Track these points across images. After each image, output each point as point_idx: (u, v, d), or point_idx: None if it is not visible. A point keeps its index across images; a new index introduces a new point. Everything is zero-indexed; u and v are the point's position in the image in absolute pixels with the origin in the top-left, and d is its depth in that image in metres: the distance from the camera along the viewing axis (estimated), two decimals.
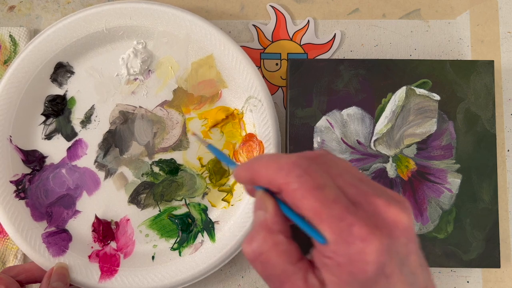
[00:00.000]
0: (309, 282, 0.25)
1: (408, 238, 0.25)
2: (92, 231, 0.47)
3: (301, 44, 0.50)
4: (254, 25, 0.50)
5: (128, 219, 0.47)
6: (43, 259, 0.44)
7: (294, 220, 0.26)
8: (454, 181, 0.44)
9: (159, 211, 0.47)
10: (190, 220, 0.47)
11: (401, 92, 0.45)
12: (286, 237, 0.26)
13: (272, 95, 0.49)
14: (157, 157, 0.47)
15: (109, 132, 0.47)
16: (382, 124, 0.45)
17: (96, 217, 0.47)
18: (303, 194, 0.25)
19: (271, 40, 0.50)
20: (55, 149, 0.47)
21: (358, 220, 0.24)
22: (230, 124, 0.48)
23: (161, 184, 0.47)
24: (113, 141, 0.47)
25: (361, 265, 0.24)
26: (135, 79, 0.48)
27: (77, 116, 0.47)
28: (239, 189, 0.47)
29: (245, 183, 0.29)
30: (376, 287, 0.24)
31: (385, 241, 0.24)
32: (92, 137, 0.47)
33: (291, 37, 0.50)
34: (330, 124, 0.45)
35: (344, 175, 0.26)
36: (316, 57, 0.49)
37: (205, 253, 0.46)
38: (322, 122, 0.45)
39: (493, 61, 0.45)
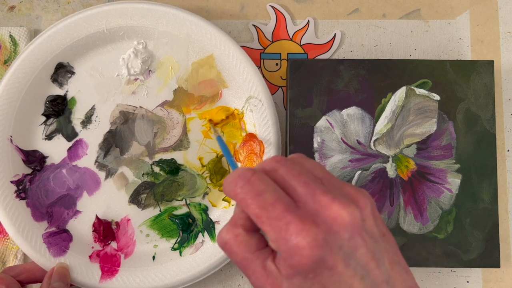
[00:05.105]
0: (267, 268, 0.28)
1: (351, 233, 0.27)
2: (93, 231, 0.47)
3: (301, 44, 0.50)
4: (254, 25, 0.50)
5: (129, 219, 0.47)
6: (44, 259, 0.45)
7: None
8: (454, 181, 0.44)
9: (160, 211, 0.47)
10: (190, 220, 0.47)
11: (401, 92, 0.45)
12: (246, 230, 0.29)
13: (272, 95, 0.49)
14: (157, 157, 0.47)
15: (110, 132, 0.47)
16: (382, 124, 0.45)
17: (97, 217, 0.47)
18: (247, 202, 0.28)
19: (271, 40, 0.50)
20: (55, 149, 0.47)
21: (295, 217, 0.27)
22: (231, 124, 0.48)
23: (162, 184, 0.47)
24: (114, 141, 0.47)
25: (298, 258, 0.26)
26: (136, 79, 0.48)
27: (77, 116, 0.47)
28: None
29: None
30: (321, 278, 0.27)
31: (320, 235, 0.26)
32: (92, 137, 0.47)
33: (291, 37, 0.50)
34: (330, 124, 0.45)
35: (302, 176, 0.29)
36: (316, 57, 0.50)
37: (205, 253, 0.46)
38: (322, 122, 0.45)
39: (493, 61, 0.45)
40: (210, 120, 0.47)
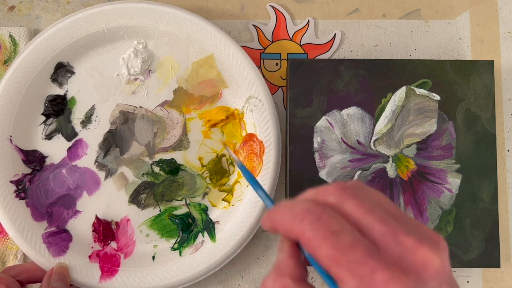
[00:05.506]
0: None
1: (440, 282, 0.23)
2: (93, 231, 0.47)
3: (301, 44, 0.50)
4: (254, 25, 0.50)
5: (129, 219, 0.47)
6: (44, 259, 0.44)
7: (314, 267, 0.26)
8: (454, 181, 0.44)
9: (160, 211, 0.47)
10: (190, 220, 0.47)
11: (401, 92, 0.45)
12: (295, 280, 0.26)
13: (272, 95, 0.49)
14: (157, 157, 0.47)
15: (110, 132, 0.47)
16: (382, 124, 0.45)
17: (97, 217, 0.47)
18: (318, 242, 0.24)
19: (271, 40, 0.50)
20: (55, 149, 0.47)
21: (380, 263, 0.23)
22: (231, 124, 0.48)
23: (162, 184, 0.47)
24: (114, 141, 0.47)
25: None
26: (136, 79, 0.48)
27: (77, 116, 0.47)
28: (240, 189, 0.47)
29: (271, 232, 0.29)
30: None
31: (412, 285, 0.23)
32: (92, 137, 0.47)
33: (291, 37, 0.50)
34: (330, 124, 0.45)
35: (376, 210, 0.25)
36: (316, 57, 0.50)
37: (205, 253, 0.46)
38: (322, 122, 0.45)
39: (493, 61, 0.45)
40: (225, 144, 0.46)
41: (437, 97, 0.45)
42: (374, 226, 0.24)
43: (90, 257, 0.46)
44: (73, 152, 0.47)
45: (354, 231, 0.24)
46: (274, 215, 0.27)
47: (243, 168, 0.39)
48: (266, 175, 0.46)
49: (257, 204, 0.45)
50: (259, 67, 0.50)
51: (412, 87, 0.45)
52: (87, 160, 0.47)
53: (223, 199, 0.47)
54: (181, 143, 0.48)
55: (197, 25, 0.46)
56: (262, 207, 0.45)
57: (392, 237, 0.24)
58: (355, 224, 0.25)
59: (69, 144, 0.47)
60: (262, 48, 0.50)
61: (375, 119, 0.45)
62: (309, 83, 0.45)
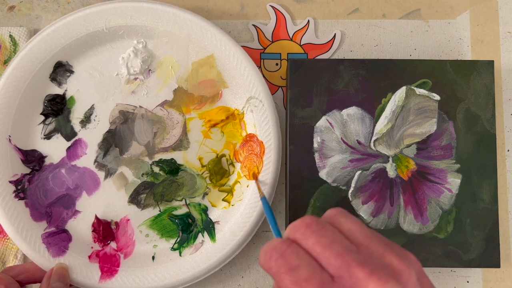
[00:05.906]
0: None
1: None
2: (92, 231, 0.47)
3: (301, 44, 0.50)
4: (254, 25, 0.50)
5: (128, 219, 0.47)
6: (43, 259, 0.44)
7: None
8: (454, 181, 0.44)
9: (159, 211, 0.47)
10: (190, 220, 0.47)
11: (401, 92, 0.45)
12: None
13: (272, 95, 0.49)
14: (157, 157, 0.47)
15: (109, 132, 0.47)
16: (382, 124, 0.45)
17: (96, 217, 0.47)
18: (280, 276, 0.27)
19: (271, 40, 0.50)
20: (54, 149, 0.47)
21: None
22: (231, 124, 0.48)
23: (161, 184, 0.47)
24: (113, 141, 0.47)
25: None
26: (135, 79, 0.48)
27: (76, 115, 0.47)
28: (239, 189, 0.47)
29: None
30: None
31: None
32: (91, 137, 0.47)
33: (291, 37, 0.50)
34: (330, 124, 0.45)
35: (334, 245, 0.27)
36: (316, 57, 0.49)
37: (205, 253, 0.46)
38: (322, 122, 0.45)
39: (493, 61, 0.45)
40: (256, 177, 0.46)
41: (437, 97, 0.45)
42: (329, 261, 0.27)
43: (89, 257, 0.46)
44: (73, 152, 0.47)
45: (313, 265, 0.27)
46: (260, 253, 0.29)
47: (264, 202, 0.42)
48: (266, 175, 0.45)
49: (257, 204, 0.45)
50: (259, 67, 0.50)
51: (412, 87, 0.45)
52: (87, 160, 0.47)
53: (223, 199, 0.47)
54: (181, 143, 0.48)
55: (197, 25, 0.46)
56: (262, 207, 0.45)
57: (346, 270, 0.26)
58: (317, 259, 0.27)
59: (69, 143, 0.47)
60: (262, 48, 0.50)
61: (375, 119, 0.45)
62: (309, 83, 0.45)
